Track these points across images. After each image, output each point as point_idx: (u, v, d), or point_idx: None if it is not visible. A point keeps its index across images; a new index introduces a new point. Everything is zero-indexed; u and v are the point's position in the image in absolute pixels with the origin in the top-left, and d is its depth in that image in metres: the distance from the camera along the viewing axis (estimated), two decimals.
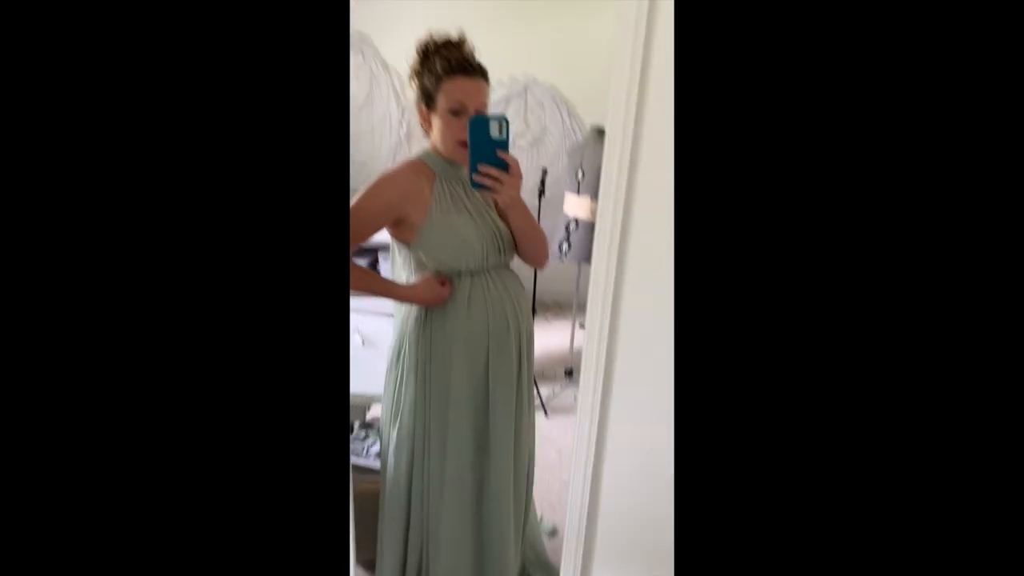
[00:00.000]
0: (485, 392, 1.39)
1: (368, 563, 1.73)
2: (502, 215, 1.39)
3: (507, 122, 1.19)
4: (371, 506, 1.61)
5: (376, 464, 1.84)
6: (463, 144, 1.27)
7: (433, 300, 1.36)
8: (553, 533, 2.10)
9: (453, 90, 1.27)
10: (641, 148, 1.28)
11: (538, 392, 3.07)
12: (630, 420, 1.49)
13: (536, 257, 1.45)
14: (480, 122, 1.19)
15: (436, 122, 1.32)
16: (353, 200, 1.29)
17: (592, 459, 1.50)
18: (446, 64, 1.27)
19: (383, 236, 1.55)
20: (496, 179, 1.21)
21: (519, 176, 1.24)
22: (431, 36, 1.32)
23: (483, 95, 1.30)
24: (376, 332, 2.03)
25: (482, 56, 1.36)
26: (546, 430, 2.86)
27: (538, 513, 2.11)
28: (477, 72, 1.29)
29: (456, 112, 1.27)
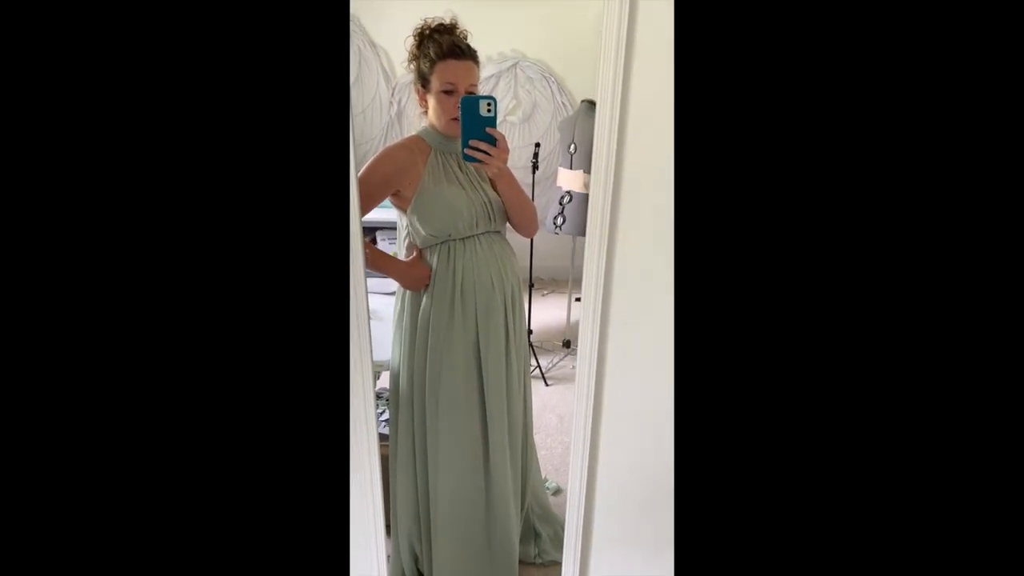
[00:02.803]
0: (476, 347, 1.51)
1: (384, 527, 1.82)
2: (495, 187, 1.49)
3: (495, 101, 1.32)
4: (383, 471, 1.70)
5: (385, 430, 1.93)
6: (455, 120, 1.40)
7: (409, 284, 1.51)
8: (557, 492, 2.20)
9: (445, 72, 1.39)
10: (628, 120, 1.34)
11: (538, 363, 3.16)
12: (625, 382, 1.58)
13: (526, 224, 1.57)
14: (471, 102, 1.31)
15: (431, 101, 1.44)
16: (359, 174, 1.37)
17: (591, 421, 1.59)
18: (438, 48, 1.39)
19: (382, 215, 1.63)
20: (485, 152, 1.32)
21: (506, 149, 1.37)
22: (425, 22, 1.44)
23: (473, 76, 1.41)
24: (382, 307, 2.10)
25: (471, 35, 1.43)
26: (546, 398, 2.96)
27: (542, 474, 2.21)
28: (467, 55, 1.41)
29: (448, 92, 1.40)
